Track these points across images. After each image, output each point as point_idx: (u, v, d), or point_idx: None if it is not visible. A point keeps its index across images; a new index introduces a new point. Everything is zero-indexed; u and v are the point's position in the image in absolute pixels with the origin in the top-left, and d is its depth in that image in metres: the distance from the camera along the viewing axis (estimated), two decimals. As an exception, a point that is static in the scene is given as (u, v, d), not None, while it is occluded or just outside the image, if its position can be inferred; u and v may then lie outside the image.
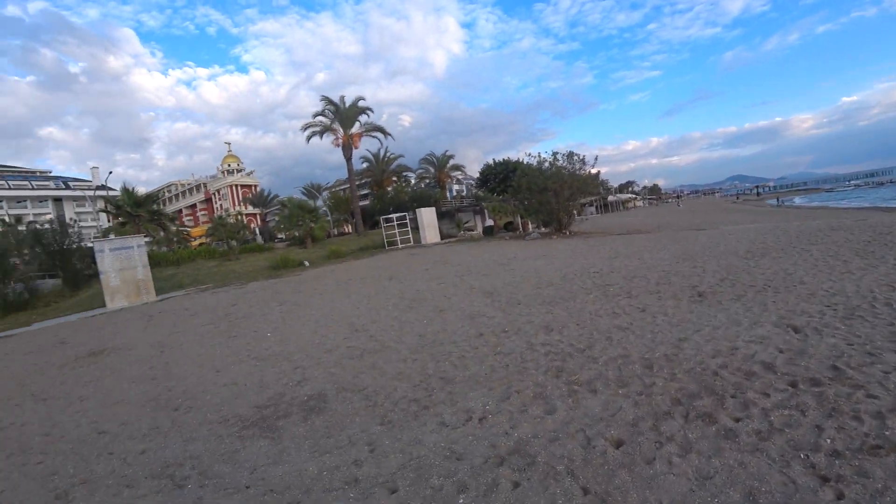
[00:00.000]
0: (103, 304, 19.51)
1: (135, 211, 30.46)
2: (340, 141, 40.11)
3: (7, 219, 41.14)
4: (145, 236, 34.80)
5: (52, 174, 77.95)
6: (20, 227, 33.11)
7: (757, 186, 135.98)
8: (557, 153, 23.46)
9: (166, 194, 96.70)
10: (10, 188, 69.89)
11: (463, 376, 5.20)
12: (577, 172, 22.73)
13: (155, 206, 33.61)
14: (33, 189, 71.78)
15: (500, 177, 55.86)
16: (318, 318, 9.78)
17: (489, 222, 32.49)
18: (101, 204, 36.05)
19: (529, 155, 25.49)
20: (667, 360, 4.80)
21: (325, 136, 40.38)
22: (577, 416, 3.90)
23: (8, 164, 77.00)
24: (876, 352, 4.50)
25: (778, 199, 68.65)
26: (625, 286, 8.46)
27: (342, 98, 40.27)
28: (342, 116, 39.76)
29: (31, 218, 54.00)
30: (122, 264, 19.81)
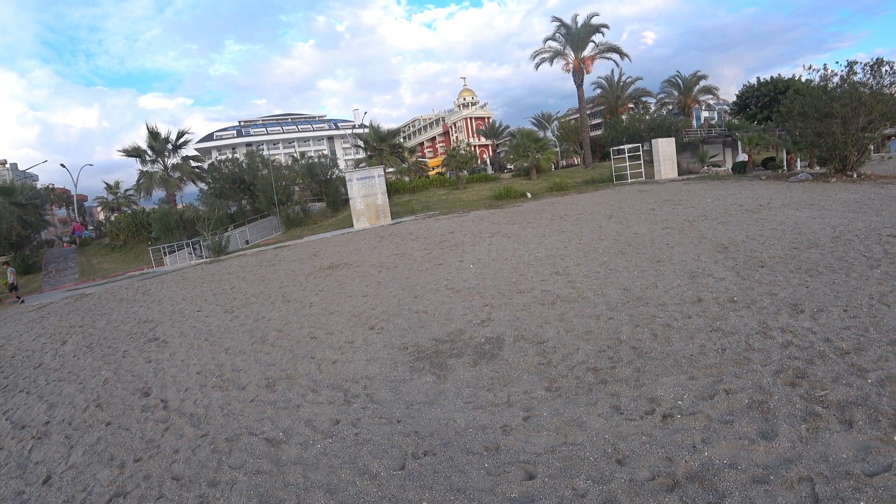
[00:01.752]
0: (352, 225, 22.97)
1: (378, 145, 34.43)
2: (571, 66, 37.48)
3: (296, 154, 51.42)
4: (387, 167, 39.50)
5: (326, 118, 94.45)
6: (300, 162, 41.09)
7: None
8: (856, 63, 17.50)
9: (410, 129, 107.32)
10: (298, 130, 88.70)
11: (661, 351, 4.31)
12: (885, 90, 16.65)
13: (397, 140, 37.44)
14: (314, 130, 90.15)
15: (765, 100, 45.97)
16: (523, 255, 9.54)
17: (742, 157, 27.21)
18: (356, 140, 42.05)
19: (810, 69, 19.43)
20: None
21: (555, 62, 38.14)
22: (809, 455, 2.78)
23: (296, 111, 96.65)
24: None
25: None
26: (939, 261, 5.91)
27: (574, 17, 37.03)
28: (574, 38, 36.76)
29: (312, 153, 66.58)
30: (366, 191, 22.83)
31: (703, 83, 51.99)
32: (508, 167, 45.95)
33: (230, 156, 48.14)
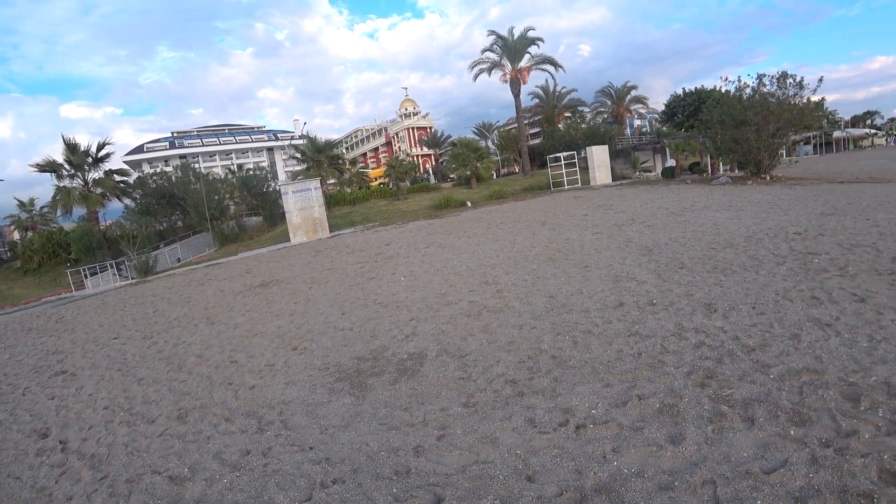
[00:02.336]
0: (289, 239, 22.22)
1: (316, 157, 33.68)
2: (508, 76, 38.41)
3: (233, 167, 49.63)
4: (328, 179, 38.80)
5: (265, 128, 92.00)
6: (230, 176, 39.57)
7: None
8: (764, 76, 18.76)
9: (353, 139, 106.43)
10: (236, 142, 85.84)
11: (579, 359, 4.25)
12: (791, 100, 17.97)
13: (336, 152, 36.77)
14: (252, 142, 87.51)
15: (690, 109, 48.75)
16: (455, 265, 9.43)
17: (670, 162, 28.60)
18: (293, 152, 41.05)
19: (726, 80, 20.74)
20: (889, 393, 3.19)
21: (493, 72, 38.98)
22: (713, 457, 2.76)
23: (234, 122, 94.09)
24: None
25: None
26: (838, 259, 6.22)
27: (511, 30, 38.09)
28: (510, 50, 37.75)
29: (250, 165, 64.71)
30: (302, 204, 22.14)
31: (633, 93, 54.56)
32: (451, 176, 46.23)
33: (162, 169, 45.75)
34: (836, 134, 56.34)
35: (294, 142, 43.72)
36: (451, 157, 38.78)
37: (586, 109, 56.05)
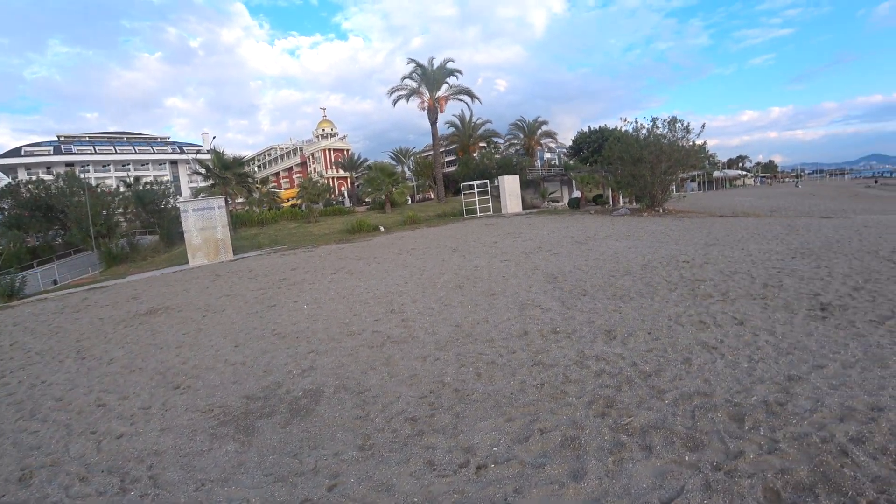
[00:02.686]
0: (188, 261, 20.53)
1: (222, 173, 31.71)
2: (426, 104, 39.20)
3: (129, 180, 45.51)
4: (236, 197, 36.71)
5: (169, 139, 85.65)
6: (125, 189, 36.19)
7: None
8: (657, 119, 20.74)
9: (266, 157, 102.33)
10: (135, 152, 79.10)
11: (482, 392, 4.10)
12: (679, 142, 19.96)
13: (245, 169, 34.91)
14: (154, 153, 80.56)
15: (594, 146, 52.28)
16: (362, 292, 9.08)
17: (576, 194, 30.28)
18: (197, 167, 38.34)
19: (625, 121, 22.76)
20: (767, 411, 3.37)
21: (411, 99, 39.66)
22: (613, 491, 2.69)
23: (138, 131, 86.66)
24: None
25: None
26: (720, 285, 6.75)
27: (431, 60, 39.17)
28: (429, 79, 38.71)
29: (150, 178, 59.63)
30: (204, 224, 20.58)
31: (544, 128, 57.73)
32: (366, 200, 45.78)
33: (40, 176, 40.78)
34: (716, 174, 63.46)
35: (199, 156, 41.05)
36: (365, 181, 38.46)
37: (500, 140, 58.38)
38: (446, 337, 5.72)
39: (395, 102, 39.81)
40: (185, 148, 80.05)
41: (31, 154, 72.09)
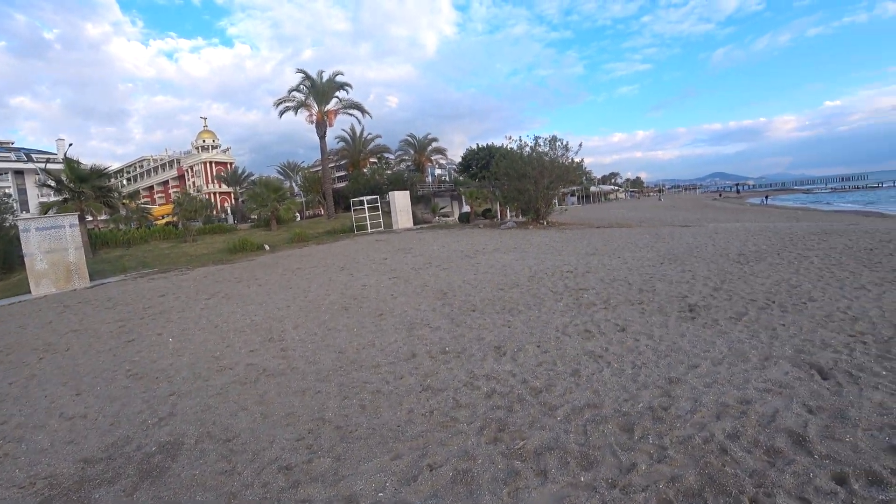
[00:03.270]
0: (29, 290, 17.52)
1: (77, 186, 27.66)
2: (314, 118, 37.96)
3: None
4: (99, 214, 32.43)
5: (13, 145, 73.76)
6: None
7: (737, 184, 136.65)
8: (539, 138, 21.98)
9: (138, 169, 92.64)
10: None
11: (367, 427, 3.71)
12: (559, 159, 21.28)
13: (107, 182, 30.77)
14: None
15: (482, 162, 54.22)
16: (238, 319, 8.22)
17: (466, 208, 30.98)
18: (46, 179, 32.99)
19: (510, 138, 23.83)
20: (653, 417, 3.39)
21: (299, 112, 38.17)
22: (511, 531, 2.46)
23: None
24: (946, 419, 3.18)
25: (765, 198, 68.52)
26: (602, 292, 7.04)
27: (320, 73, 38.09)
28: (318, 92, 37.55)
29: None
30: (51, 246, 17.68)
31: (434, 144, 58.70)
32: (252, 217, 43.08)
33: None
34: (593, 189, 69.38)
35: (50, 166, 35.51)
36: (249, 197, 36.13)
37: (391, 156, 58.35)
38: (329, 366, 5.22)
39: (281, 114, 38.12)
40: (34, 156, 69.38)
41: None
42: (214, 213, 57.79)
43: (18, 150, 73.39)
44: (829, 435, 3.06)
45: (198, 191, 64.32)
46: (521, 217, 23.92)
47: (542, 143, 21.68)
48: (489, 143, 57.26)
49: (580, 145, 21.60)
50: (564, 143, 21.40)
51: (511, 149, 23.65)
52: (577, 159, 21.75)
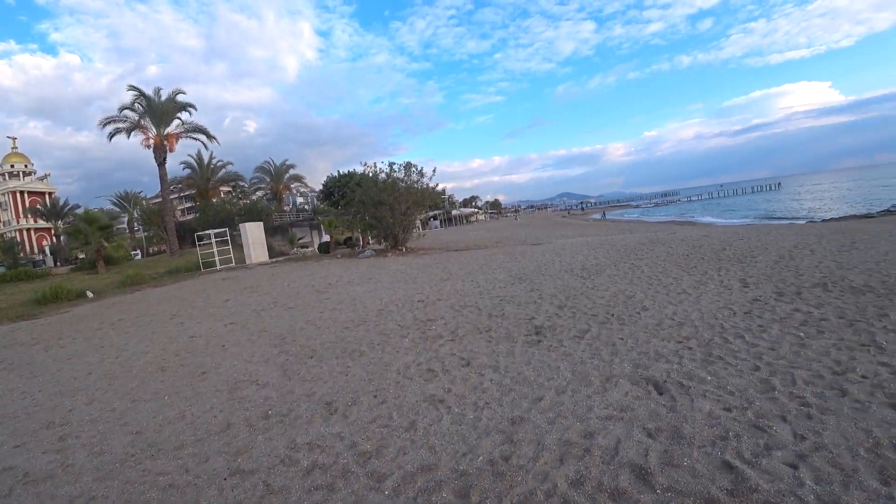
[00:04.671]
0: None
1: None
2: (152, 141, 33.73)
3: None
4: None
5: None
6: None
7: (582, 202, 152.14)
8: (394, 164, 21.78)
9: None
10: None
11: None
12: (415, 185, 21.24)
13: None
14: None
15: (343, 189, 53.11)
16: (14, 400, 6.40)
17: (325, 238, 29.70)
18: None
19: (365, 165, 23.26)
20: (494, 473, 2.94)
21: (134, 134, 33.57)
22: None
23: None
24: (762, 424, 3.20)
25: (604, 213, 76.58)
26: (450, 322, 6.67)
27: (158, 91, 34.05)
28: (156, 112, 33.45)
29: None
30: None
31: (292, 171, 56.19)
32: (81, 257, 36.86)
33: None
34: (454, 212, 71.83)
35: None
36: (67, 235, 30.83)
37: (245, 184, 54.55)
38: (118, 454, 4.03)
39: (111, 136, 33.27)
40: None
41: None
42: (23, 254, 48.70)
43: None
44: (669, 461, 2.89)
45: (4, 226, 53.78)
46: (381, 244, 23.40)
47: (396, 170, 21.52)
48: (351, 170, 56.53)
49: (434, 170, 21.73)
50: (419, 168, 21.47)
51: (366, 175, 23.16)
52: (432, 184, 21.90)
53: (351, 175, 55.16)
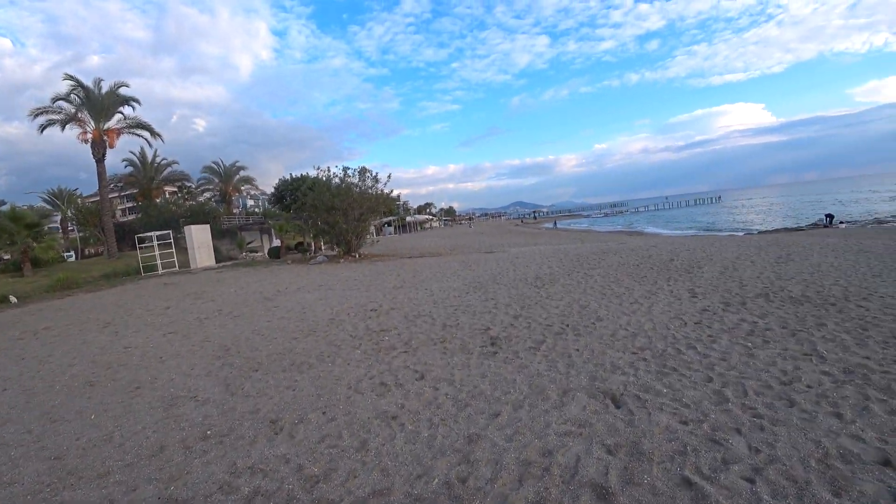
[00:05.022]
0: None
1: None
2: (90, 136, 31.53)
3: None
4: None
5: None
6: None
7: (534, 211, 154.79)
8: (348, 169, 21.30)
9: None
10: None
11: None
12: (370, 191, 20.85)
13: None
14: None
15: (296, 193, 51.81)
16: None
17: (276, 243, 28.79)
18: None
19: (318, 169, 22.64)
20: (450, 497, 2.78)
21: (70, 127, 31.24)
22: None
23: None
24: (718, 437, 3.21)
25: (555, 223, 78.08)
26: (404, 332, 6.47)
27: (98, 82, 31.84)
28: (95, 105, 31.21)
29: None
30: None
31: (242, 173, 54.15)
32: (5, 258, 34.04)
33: None
34: (409, 218, 71.42)
35: None
36: (-10, 234, 28.44)
37: (192, 185, 52.18)
38: (28, 486, 3.57)
39: (42, 129, 30.75)
40: None
41: None
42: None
43: None
44: (629, 479, 2.82)
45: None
46: (334, 250, 22.86)
47: (351, 174, 21.07)
48: (304, 174, 55.23)
49: (389, 176, 21.41)
50: (374, 174, 21.08)
51: (318, 179, 22.55)
52: (386, 190, 21.56)
53: (304, 178, 53.92)
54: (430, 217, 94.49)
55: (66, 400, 5.55)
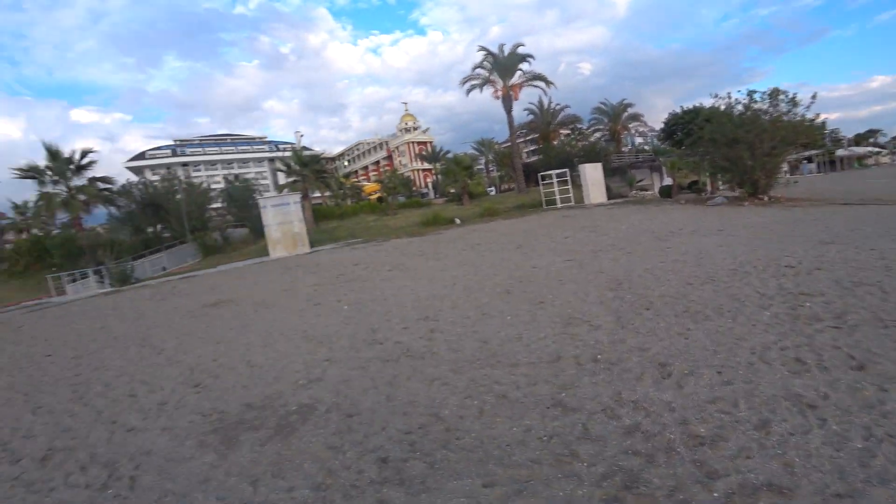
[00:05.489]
0: (268, 253, 21.35)
1: (301, 170, 32.97)
2: (500, 93, 38.14)
3: (230, 177, 49.69)
4: (324, 192, 38.16)
5: (267, 139, 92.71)
6: (228, 185, 39.30)
7: None
8: (755, 93, 17.77)
9: (355, 152, 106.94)
10: (237, 151, 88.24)
11: (476, 437, 3.28)
12: (784, 117, 16.96)
13: (323, 165, 36.29)
14: (253, 152, 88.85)
15: (688, 127, 47.69)
16: (406, 294, 8.53)
17: (667, 181, 27.62)
18: (278, 164, 41.07)
19: (716, 97, 19.70)
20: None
21: (485, 88, 38.97)
22: None
23: (239, 132, 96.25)
24: None
25: None
26: (835, 302, 5.05)
27: (501, 47, 38.08)
28: (501, 66, 37.68)
29: (252, 175, 64.99)
30: (282, 219, 21.28)
31: (630, 111, 53.66)
32: (451, 191, 45.64)
33: (146, 180, 45.71)
34: (840, 152, 55.34)
35: (279, 154, 43.28)
36: (441, 174, 38.20)
37: (583, 126, 55.23)
38: (468, 356, 4.85)
39: (468, 92, 39.31)
40: (281, 146, 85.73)
41: (154, 157, 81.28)
42: (415, 188, 62.92)
43: (270, 142, 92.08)
44: None
45: (400, 169, 70.46)
46: (736, 191, 20.09)
47: (758, 100, 17.57)
48: (696, 105, 50.07)
49: (813, 97, 16.59)
50: (791, 95, 16.95)
51: (716, 108, 19.76)
52: (809, 115, 17.00)
53: (697, 111, 48.54)
54: (875, 150, 70.20)
55: (490, 301, 7.03)
